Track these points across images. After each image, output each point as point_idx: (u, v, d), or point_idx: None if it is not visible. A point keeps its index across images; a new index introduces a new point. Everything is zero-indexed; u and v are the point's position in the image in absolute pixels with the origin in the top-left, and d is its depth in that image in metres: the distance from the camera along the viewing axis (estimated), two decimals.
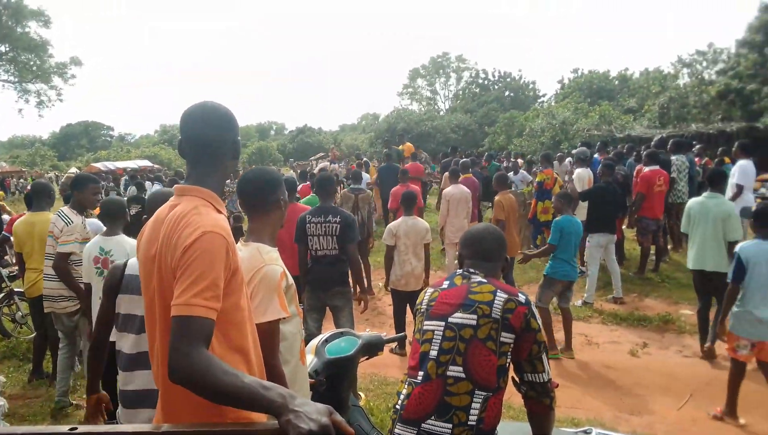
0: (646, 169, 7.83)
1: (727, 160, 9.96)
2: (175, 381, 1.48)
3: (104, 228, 4.23)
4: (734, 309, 4.21)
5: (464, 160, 10.60)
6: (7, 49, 37.48)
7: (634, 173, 8.34)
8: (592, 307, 6.97)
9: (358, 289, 4.93)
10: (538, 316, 2.24)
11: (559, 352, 5.57)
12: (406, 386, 2.26)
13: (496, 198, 7.54)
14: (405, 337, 3.11)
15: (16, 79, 38.88)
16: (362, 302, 4.88)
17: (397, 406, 2.25)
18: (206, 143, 1.77)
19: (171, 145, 58.67)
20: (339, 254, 4.71)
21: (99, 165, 39.14)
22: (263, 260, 2.18)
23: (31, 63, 38.40)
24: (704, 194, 5.65)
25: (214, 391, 1.47)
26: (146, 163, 40.26)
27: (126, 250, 4.05)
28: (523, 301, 2.21)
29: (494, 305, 2.18)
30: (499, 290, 2.22)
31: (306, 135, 62.16)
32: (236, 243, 1.82)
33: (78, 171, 32.82)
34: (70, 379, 4.65)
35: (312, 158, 41.34)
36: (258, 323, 1.95)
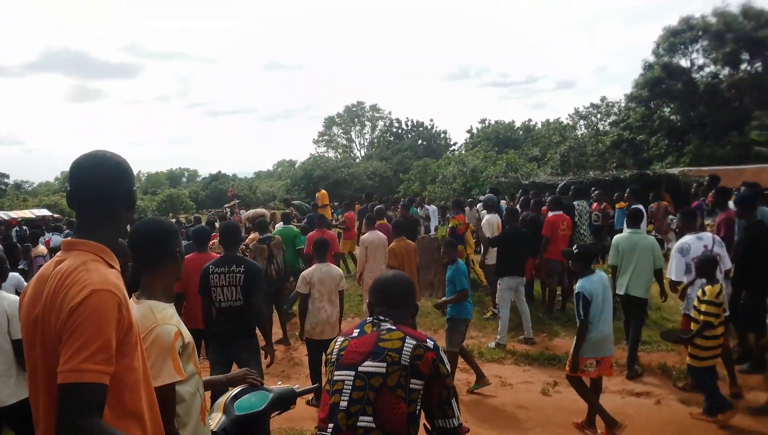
0: (551, 213, 8.26)
1: (621, 204, 10.72)
2: None
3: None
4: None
5: (379, 206, 10.75)
6: None
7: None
8: (505, 348, 7.14)
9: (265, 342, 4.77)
10: (446, 361, 2.26)
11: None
12: None
13: (390, 245, 7.59)
14: (319, 387, 3.03)
15: None
16: (268, 356, 4.69)
17: None
18: (97, 193, 1.69)
19: None
20: (244, 305, 4.55)
21: None
22: (155, 320, 2.06)
23: None
24: (628, 230, 6.35)
25: None
26: (45, 212, 37.78)
27: (3, 306, 3.80)
28: (431, 346, 2.22)
29: (403, 352, 2.17)
30: (408, 337, 2.22)
31: (220, 182, 60.92)
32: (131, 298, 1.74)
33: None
34: None
35: (226, 206, 40.47)
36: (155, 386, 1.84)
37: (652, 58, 29.06)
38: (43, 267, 1.70)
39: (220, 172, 64.58)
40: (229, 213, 20.38)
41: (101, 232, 1.68)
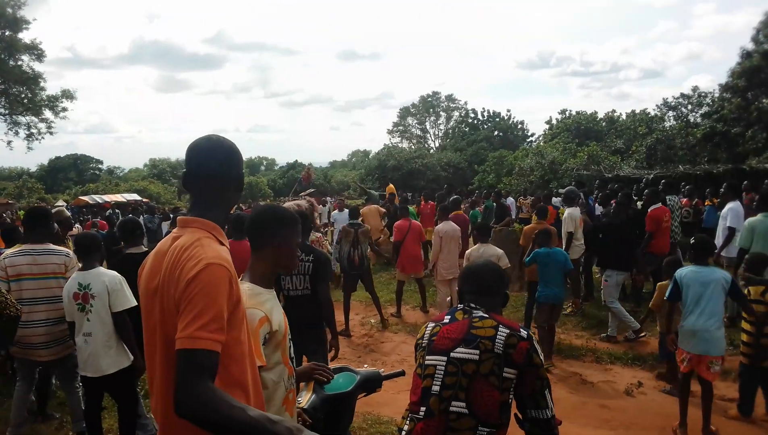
0: (652, 207, 7.86)
1: (715, 200, 10.11)
2: (182, 415, 1.45)
3: None
4: (679, 327, 4.65)
5: (455, 197, 10.70)
6: None
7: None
8: (587, 345, 6.93)
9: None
10: (540, 351, 2.22)
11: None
12: (408, 422, 2.22)
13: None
14: (403, 373, 3.06)
15: (7, 112, 38.92)
16: (333, 348, 4.64)
17: None
18: (210, 176, 1.77)
19: (160, 179, 58.67)
20: (311, 294, 4.54)
21: (87, 198, 38.96)
22: (245, 302, 2.00)
23: (23, 96, 38.52)
24: (761, 214, 6.30)
25: (221, 425, 1.44)
26: (135, 196, 40.13)
27: (104, 281, 4.02)
28: (525, 336, 2.19)
29: (497, 340, 2.16)
30: (501, 325, 2.20)
31: (296, 171, 62.36)
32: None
33: (66, 204, 32.66)
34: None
35: (302, 194, 41.44)
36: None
37: (750, 46, 27.08)
38: (160, 242, 1.81)
39: (296, 160, 66.19)
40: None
41: (213, 212, 1.78)
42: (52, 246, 4.37)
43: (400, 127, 66.33)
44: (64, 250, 4.43)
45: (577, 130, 39.62)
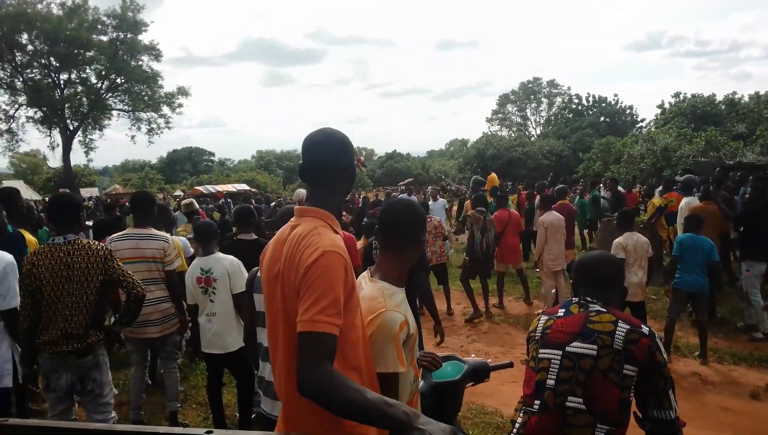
0: None
1: None
2: (305, 394, 1.53)
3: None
4: None
5: (562, 186, 10.34)
6: (122, 81, 40.94)
7: None
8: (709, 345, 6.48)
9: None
10: (663, 349, 2.12)
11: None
12: (521, 414, 2.19)
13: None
14: (511, 364, 3.03)
15: (130, 109, 42.28)
16: (438, 334, 4.69)
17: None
18: (323, 167, 1.84)
19: (266, 169, 61.34)
20: (408, 283, 4.55)
21: (201, 188, 41.52)
22: (384, 304, 1.94)
23: (143, 94, 41.65)
24: None
25: (341, 406, 1.50)
26: (244, 186, 42.29)
27: (225, 265, 4.26)
28: (647, 332, 2.09)
29: (616, 336, 2.08)
30: (620, 320, 2.12)
31: (395, 160, 62.96)
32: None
33: (182, 194, 35.03)
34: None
35: (400, 183, 41.83)
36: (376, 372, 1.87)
37: None
38: (279, 231, 1.91)
39: (395, 151, 66.67)
40: (403, 191, 20.91)
41: (327, 201, 1.85)
42: (153, 231, 4.60)
43: (500, 115, 65.01)
44: (164, 235, 4.65)
45: (693, 115, 36.80)
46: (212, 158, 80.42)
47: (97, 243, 3.46)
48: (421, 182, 42.44)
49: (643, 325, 2.12)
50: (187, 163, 73.77)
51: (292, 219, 1.88)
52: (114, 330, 3.65)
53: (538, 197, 11.89)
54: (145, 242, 4.49)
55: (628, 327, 2.09)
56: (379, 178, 57.51)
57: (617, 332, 2.08)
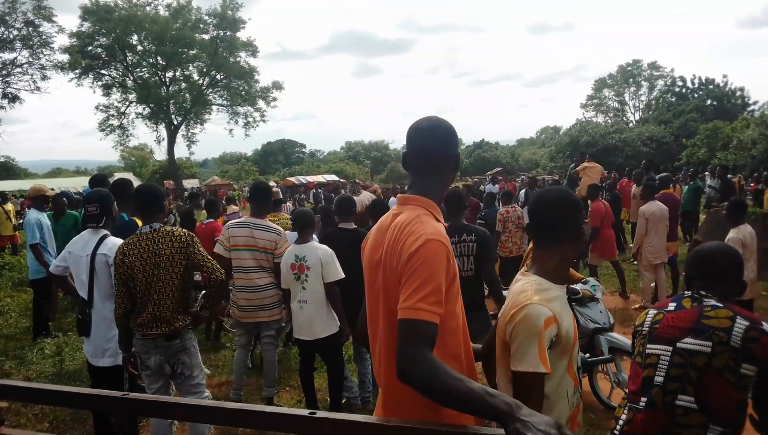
0: None
1: None
2: (405, 381, 1.53)
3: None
4: None
5: (665, 174, 9.77)
6: (222, 77, 43.01)
7: None
8: None
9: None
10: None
11: None
12: (626, 411, 2.11)
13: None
14: (611, 359, 2.92)
15: (228, 103, 44.37)
16: None
17: (616, 432, 2.11)
18: (429, 155, 1.83)
19: (354, 160, 62.37)
20: (475, 275, 4.40)
21: (293, 179, 42.96)
22: (530, 298, 1.77)
23: (241, 89, 43.55)
24: None
25: (441, 393, 1.49)
26: (333, 177, 43.28)
27: (318, 254, 4.37)
28: None
29: (733, 333, 1.94)
30: (738, 316, 1.98)
31: (483, 149, 62.03)
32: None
33: (275, 184, 36.39)
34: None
35: (488, 173, 41.12)
36: (513, 371, 1.76)
37: None
38: (381, 218, 1.92)
39: (483, 139, 65.64)
40: (490, 181, 20.54)
41: (431, 190, 1.84)
42: (268, 223, 4.82)
43: (595, 101, 62.25)
44: (278, 228, 4.85)
45: None
46: (303, 150, 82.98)
47: (179, 229, 3.58)
48: (509, 171, 41.55)
49: (764, 322, 1.98)
50: (280, 155, 76.56)
51: (394, 207, 1.89)
52: (201, 314, 3.77)
53: (633, 186, 11.34)
54: (260, 232, 4.72)
55: (748, 323, 1.95)
56: (467, 167, 56.86)
57: (735, 329, 1.95)
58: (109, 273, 3.67)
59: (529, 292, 1.81)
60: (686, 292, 2.20)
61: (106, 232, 3.86)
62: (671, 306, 2.17)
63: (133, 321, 3.51)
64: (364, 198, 9.56)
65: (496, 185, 16.45)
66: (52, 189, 7.95)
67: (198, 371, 3.68)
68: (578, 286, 4.55)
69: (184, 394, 3.65)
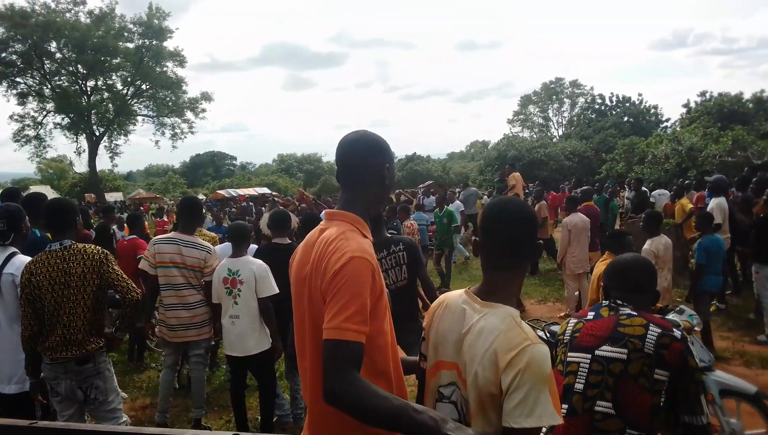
0: None
1: None
2: (331, 403, 1.51)
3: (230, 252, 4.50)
4: None
5: (587, 187, 10.24)
6: (147, 87, 41.65)
7: None
8: (734, 348, 6.35)
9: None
10: (695, 354, 2.07)
11: None
12: None
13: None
14: None
15: (154, 114, 42.99)
16: None
17: None
18: (353, 169, 1.80)
19: (287, 173, 61.73)
20: (408, 284, 4.32)
21: (223, 192, 41.97)
22: (527, 336, 1.51)
23: (168, 99, 42.31)
24: None
25: (368, 414, 1.48)
26: (265, 190, 42.60)
27: (252, 269, 4.28)
28: (679, 336, 2.05)
29: (647, 340, 2.04)
30: (651, 324, 2.08)
31: (415, 163, 62.82)
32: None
33: (204, 198, 35.44)
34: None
35: (420, 186, 41.66)
36: (518, 428, 1.43)
37: None
38: (309, 234, 1.87)
39: (415, 153, 66.52)
40: (422, 193, 20.84)
41: (355, 205, 1.80)
42: (198, 240, 4.67)
43: (521, 116, 64.61)
44: (207, 245, 4.70)
45: (720, 114, 36.08)
46: (234, 162, 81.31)
47: (93, 247, 3.41)
48: (441, 184, 42.26)
49: (674, 329, 2.08)
50: (210, 168, 74.65)
51: (321, 222, 1.85)
52: (115, 337, 3.59)
53: (550, 196, 11.85)
54: (188, 250, 4.54)
55: (660, 331, 2.05)
56: (399, 180, 57.39)
57: (648, 336, 2.04)
58: (16, 293, 3.41)
59: (518, 329, 1.53)
60: (604, 301, 2.29)
61: (14, 249, 3.59)
62: (590, 315, 2.25)
63: (42, 344, 3.28)
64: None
65: (431, 197, 16.70)
66: None
67: (114, 396, 3.47)
68: (675, 317, 4.06)
69: (99, 420, 3.44)
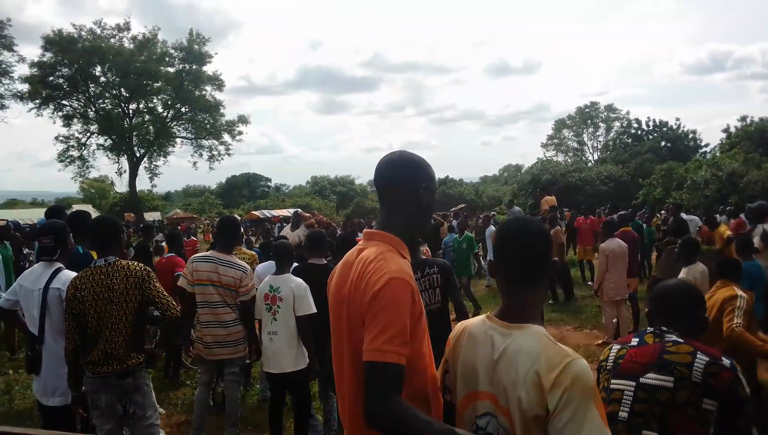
0: None
1: None
2: (373, 426, 1.50)
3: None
4: None
5: (624, 212, 10.06)
6: (187, 110, 42.79)
7: None
8: None
9: None
10: (745, 384, 2.00)
11: None
12: None
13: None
14: None
15: (193, 136, 44.04)
16: None
17: None
18: (389, 188, 1.80)
19: (320, 195, 62.36)
20: (441, 308, 4.31)
21: (257, 212, 42.58)
22: (566, 352, 1.47)
23: (206, 122, 43.34)
24: None
25: None
26: (299, 211, 43.03)
27: (291, 287, 4.32)
28: (728, 365, 1.98)
29: (694, 368, 1.97)
30: (699, 352, 2.01)
31: (447, 186, 62.77)
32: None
33: (239, 218, 35.95)
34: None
35: (452, 209, 41.54)
36: None
37: None
38: (347, 254, 1.86)
39: (447, 176, 66.50)
40: (452, 216, 20.72)
41: (394, 225, 1.78)
42: (236, 260, 4.70)
43: (555, 140, 64.16)
44: (244, 265, 4.71)
45: (761, 139, 35.15)
46: (269, 184, 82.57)
47: (135, 263, 3.47)
48: (474, 208, 42.06)
49: (724, 358, 2.01)
50: (245, 189, 75.96)
51: (360, 242, 1.85)
52: (155, 353, 3.64)
53: (588, 221, 11.67)
54: (224, 268, 4.56)
55: (708, 359, 1.98)
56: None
57: (696, 364, 1.98)
58: (62, 308, 3.50)
59: (555, 347, 1.49)
60: (649, 328, 2.23)
61: (60, 265, 3.71)
62: (634, 341, 2.19)
63: (84, 358, 3.35)
64: (300, 233, 9.46)
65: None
66: (5, 220, 7.72)
67: (152, 411, 3.51)
68: None
69: None
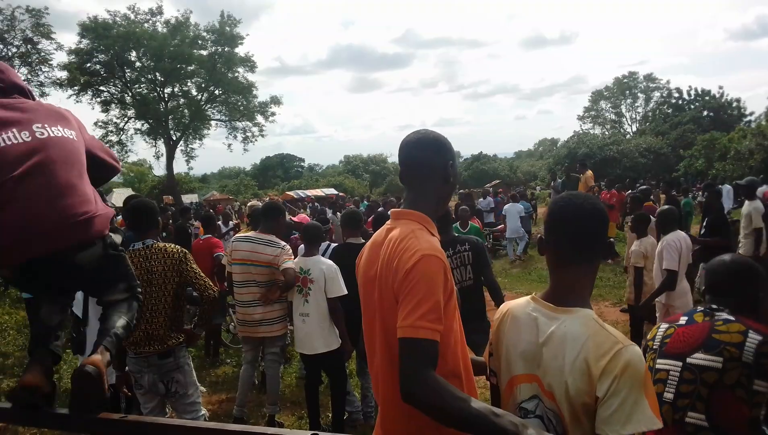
0: None
1: None
2: (410, 402, 1.49)
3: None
4: None
5: (645, 187, 9.83)
6: (220, 92, 43.11)
7: None
8: None
9: None
10: None
11: None
12: None
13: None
14: None
15: (227, 119, 44.42)
16: None
17: None
18: (416, 167, 1.81)
19: (353, 174, 62.50)
20: (473, 285, 4.38)
21: (292, 193, 42.93)
22: (616, 338, 1.42)
23: (239, 104, 43.61)
24: None
25: (446, 414, 1.45)
26: (332, 191, 43.26)
27: (322, 269, 4.35)
28: None
29: (745, 348, 1.89)
30: (751, 331, 1.92)
31: (481, 162, 62.13)
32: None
33: (267, 200, 36.30)
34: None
35: (487, 185, 41.16)
36: None
37: None
38: (375, 233, 1.88)
39: (481, 152, 65.82)
40: (491, 192, 20.50)
41: (422, 203, 1.80)
42: (274, 238, 4.71)
43: (592, 113, 62.54)
44: (281, 243, 4.73)
45: None
46: (302, 164, 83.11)
47: (172, 246, 3.52)
48: (509, 184, 41.57)
49: None
50: (279, 169, 76.62)
51: (388, 222, 1.85)
52: (194, 333, 3.72)
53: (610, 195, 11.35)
54: (262, 247, 4.61)
55: (761, 338, 1.89)
56: (465, 180, 56.90)
57: (747, 344, 1.89)
58: None
59: (605, 332, 1.44)
60: (699, 306, 2.15)
61: None
62: (683, 320, 2.12)
63: (126, 339, 3.45)
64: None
65: (488, 199, 16.09)
66: None
67: (193, 389, 3.60)
68: None
69: (179, 413, 3.58)
